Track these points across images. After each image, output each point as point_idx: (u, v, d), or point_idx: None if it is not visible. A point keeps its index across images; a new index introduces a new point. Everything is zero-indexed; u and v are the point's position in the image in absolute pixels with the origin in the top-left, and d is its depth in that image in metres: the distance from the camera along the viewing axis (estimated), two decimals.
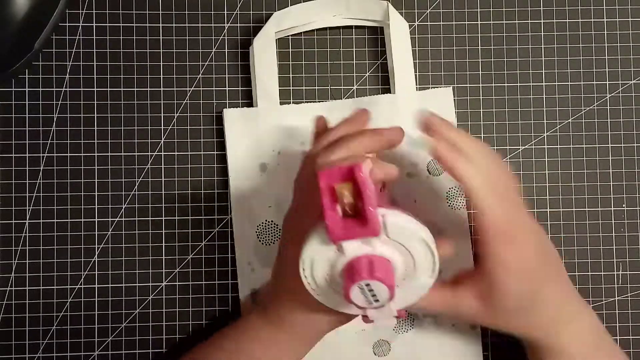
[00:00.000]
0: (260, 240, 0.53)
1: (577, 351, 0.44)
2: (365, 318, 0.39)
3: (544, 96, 0.55)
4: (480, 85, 0.55)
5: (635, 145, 0.55)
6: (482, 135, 0.54)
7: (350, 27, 0.55)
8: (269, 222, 0.53)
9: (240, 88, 0.54)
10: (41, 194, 0.53)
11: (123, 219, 0.53)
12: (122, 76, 0.54)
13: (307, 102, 0.54)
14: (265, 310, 0.46)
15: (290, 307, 0.44)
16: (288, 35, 0.54)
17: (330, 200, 0.35)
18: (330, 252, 0.37)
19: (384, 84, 0.54)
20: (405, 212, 0.38)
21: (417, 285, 0.39)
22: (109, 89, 0.54)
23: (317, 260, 0.38)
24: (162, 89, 0.54)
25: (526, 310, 0.43)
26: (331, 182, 0.35)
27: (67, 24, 0.54)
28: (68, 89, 0.54)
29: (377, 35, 0.55)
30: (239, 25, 0.55)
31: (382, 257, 0.37)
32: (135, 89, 0.54)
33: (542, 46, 0.55)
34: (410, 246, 0.37)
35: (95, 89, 0.54)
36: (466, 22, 0.55)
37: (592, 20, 0.55)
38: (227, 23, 0.54)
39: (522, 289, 0.42)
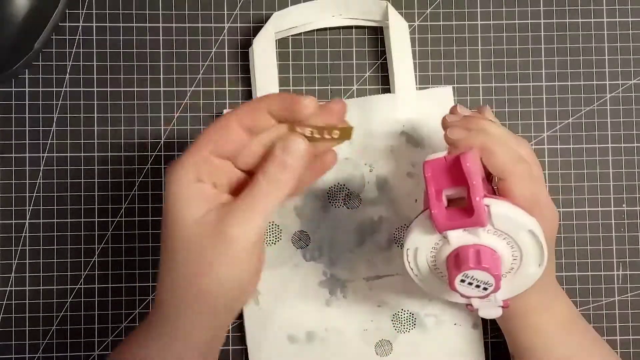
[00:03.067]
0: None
1: (554, 330, 0.45)
2: (470, 307, 0.40)
3: (544, 96, 0.55)
4: (480, 85, 0.55)
5: (635, 145, 0.55)
6: None
7: (350, 27, 0.55)
8: (269, 222, 0.52)
9: (240, 88, 0.54)
10: (41, 194, 0.53)
11: (123, 219, 0.53)
12: (122, 76, 0.54)
13: None
14: (154, 324, 0.40)
15: (186, 311, 0.39)
16: (288, 35, 0.54)
17: (435, 190, 0.35)
18: (435, 240, 0.37)
19: (384, 84, 0.54)
20: (511, 201, 0.38)
21: (524, 275, 0.39)
22: (109, 89, 0.54)
23: (421, 247, 0.38)
24: (162, 89, 0.54)
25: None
26: (436, 171, 0.36)
27: (67, 24, 0.54)
28: (68, 89, 0.54)
29: (377, 35, 0.55)
30: (239, 25, 0.55)
31: (489, 247, 0.37)
32: (135, 89, 0.54)
33: (542, 46, 0.55)
34: (516, 236, 0.37)
35: (95, 89, 0.54)
36: (466, 22, 0.55)
37: (592, 20, 0.55)
38: (227, 23, 0.54)
39: None
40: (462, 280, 0.37)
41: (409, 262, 0.39)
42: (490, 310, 0.39)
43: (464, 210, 0.36)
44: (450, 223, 0.36)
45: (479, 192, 0.35)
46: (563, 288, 0.54)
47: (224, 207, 0.37)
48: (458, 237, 0.37)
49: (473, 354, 0.53)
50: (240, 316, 0.53)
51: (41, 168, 0.53)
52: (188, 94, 0.54)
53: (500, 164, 0.39)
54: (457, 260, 0.37)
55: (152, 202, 0.54)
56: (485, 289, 0.37)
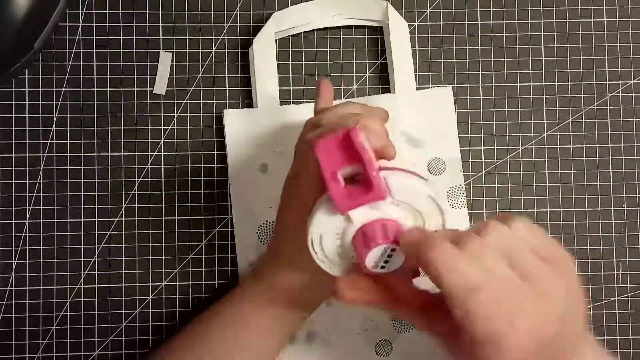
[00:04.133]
0: (261, 241, 0.53)
1: None
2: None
3: (544, 96, 0.55)
4: (480, 85, 0.55)
5: (635, 145, 0.55)
6: (482, 135, 0.54)
7: (350, 27, 0.55)
8: (269, 222, 0.53)
9: (240, 88, 0.54)
10: (41, 194, 0.53)
11: (123, 219, 0.53)
12: (122, 76, 0.54)
13: (307, 102, 0.54)
14: (261, 279, 0.46)
15: (287, 274, 0.44)
16: (288, 35, 0.54)
17: (330, 170, 0.35)
18: (338, 222, 0.36)
19: (384, 83, 0.54)
20: (405, 170, 0.37)
21: None
22: (109, 89, 0.54)
23: (326, 232, 0.37)
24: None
25: None
26: (329, 151, 0.35)
27: (67, 24, 0.54)
28: (68, 89, 0.54)
29: (376, 35, 0.55)
30: (239, 25, 0.55)
31: (392, 220, 0.36)
32: (135, 89, 0.54)
33: (542, 46, 0.55)
34: (417, 204, 0.36)
35: (95, 89, 0.54)
36: (466, 22, 0.55)
37: (592, 20, 0.55)
38: (227, 23, 0.54)
39: None
40: (372, 256, 0.36)
41: (314, 250, 0.38)
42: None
43: (362, 186, 0.35)
44: (351, 202, 0.35)
45: (374, 165, 0.34)
46: None
47: None
48: (361, 215, 0.36)
49: None
50: None
51: (41, 168, 0.53)
52: (188, 94, 0.54)
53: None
54: (364, 238, 0.36)
55: (152, 202, 0.54)
56: (392, 263, 0.36)
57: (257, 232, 0.53)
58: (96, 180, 0.53)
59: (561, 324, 0.33)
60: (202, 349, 0.46)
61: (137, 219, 0.53)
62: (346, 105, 0.43)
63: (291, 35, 0.54)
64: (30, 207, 0.53)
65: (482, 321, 0.32)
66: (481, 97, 0.55)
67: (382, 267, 0.37)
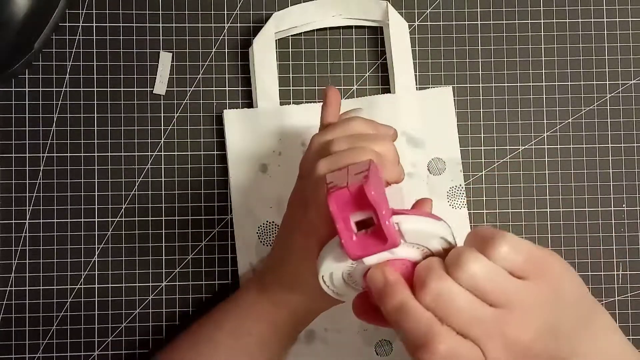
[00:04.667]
0: (261, 241, 0.53)
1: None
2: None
3: (544, 96, 0.55)
4: (480, 85, 0.55)
5: (635, 145, 0.55)
6: (482, 135, 0.54)
7: (350, 27, 0.55)
8: (270, 222, 0.53)
9: (240, 88, 0.54)
10: (41, 194, 0.53)
11: (123, 219, 0.53)
12: (122, 76, 0.54)
13: (307, 102, 0.54)
14: (265, 290, 0.46)
15: (294, 290, 0.44)
16: (288, 36, 0.54)
17: (343, 222, 0.35)
18: (349, 263, 0.37)
19: (384, 84, 0.54)
20: (418, 211, 0.37)
21: None
22: (109, 89, 0.54)
23: (336, 271, 0.38)
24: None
25: None
26: (341, 204, 0.35)
27: (67, 24, 0.54)
28: (68, 89, 0.54)
29: (376, 35, 0.55)
30: (239, 25, 0.55)
31: (403, 260, 0.36)
32: (135, 89, 0.54)
33: (542, 46, 0.55)
34: (430, 245, 0.36)
35: (95, 89, 0.54)
36: (466, 22, 0.55)
37: (592, 20, 0.55)
38: (227, 23, 0.54)
39: None
40: None
41: (325, 284, 0.39)
42: None
43: (374, 233, 0.35)
44: (364, 251, 0.35)
45: (387, 217, 0.34)
46: None
47: None
48: (372, 257, 0.36)
49: None
50: None
51: (41, 168, 0.53)
52: (188, 94, 0.54)
53: None
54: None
55: (152, 202, 0.54)
56: None
57: (257, 232, 0.53)
58: (96, 180, 0.53)
59: (549, 332, 0.33)
60: (204, 355, 0.46)
61: (137, 219, 0.53)
62: (355, 122, 0.42)
63: (291, 35, 0.54)
64: (30, 207, 0.53)
65: None
66: (481, 97, 0.55)
67: None
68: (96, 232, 0.53)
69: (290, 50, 0.55)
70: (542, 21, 0.55)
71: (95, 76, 0.54)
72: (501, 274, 0.33)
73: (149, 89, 0.54)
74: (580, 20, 0.55)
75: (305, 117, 0.52)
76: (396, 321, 0.33)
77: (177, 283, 0.53)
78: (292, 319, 0.46)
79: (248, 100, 0.54)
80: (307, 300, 0.45)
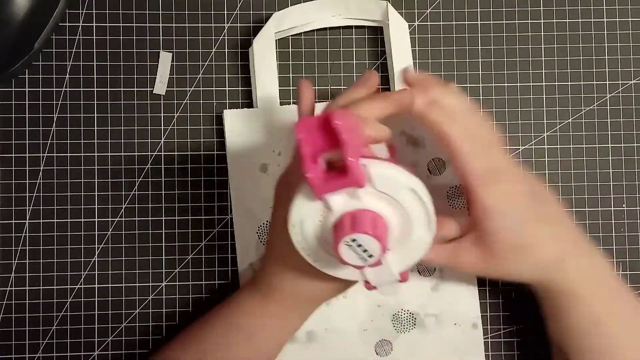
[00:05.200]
0: (261, 241, 0.53)
1: (586, 291, 0.43)
2: (367, 284, 0.38)
3: (544, 96, 0.55)
4: (480, 85, 0.55)
5: (635, 145, 0.55)
6: None
7: (350, 27, 0.55)
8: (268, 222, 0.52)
9: (240, 88, 0.54)
10: (41, 194, 0.53)
11: (123, 219, 0.53)
12: (122, 76, 0.54)
13: None
14: (255, 282, 0.46)
15: (280, 274, 0.44)
16: (288, 36, 0.54)
17: (310, 151, 0.33)
18: (319, 209, 0.35)
19: (384, 84, 0.54)
20: (396, 163, 0.36)
21: (415, 241, 0.37)
22: (109, 89, 0.54)
23: (307, 219, 0.36)
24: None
25: (523, 250, 0.42)
26: (310, 133, 0.33)
27: (67, 24, 0.54)
28: (68, 89, 0.54)
29: (377, 35, 0.55)
30: (239, 25, 0.55)
31: (368, 210, 0.35)
32: (135, 89, 0.54)
33: (542, 46, 0.55)
34: (400, 198, 0.35)
35: (95, 89, 0.54)
36: (466, 22, 0.55)
37: (592, 20, 0.55)
38: (227, 23, 0.54)
39: (511, 230, 0.42)
40: (346, 248, 0.34)
41: (296, 236, 0.37)
42: (388, 286, 0.38)
43: (343, 172, 0.33)
44: (327, 185, 0.33)
45: (351, 151, 0.32)
46: None
47: None
48: (341, 204, 0.35)
49: (473, 354, 0.53)
50: None
51: (41, 168, 0.53)
52: (188, 94, 0.54)
53: (450, 142, 0.41)
54: (337, 227, 0.35)
55: (152, 202, 0.54)
56: (372, 255, 0.34)
57: (257, 232, 0.53)
58: (96, 180, 0.53)
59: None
60: (200, 351, 0.46)
61: (137, 219, 0.53)
62: (334, 105, 0.42)
63: (291, 36, 0.54)
64: (30, 207, 0.53)
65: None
66: (481, 97, 0.55)
67: (364, 260, 0.35)
68: (96, 232, 0.53)
69: (290, 50, 0.55)
70: (542, 21, 0.55)
71: (95, 76, 0.54)
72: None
73: (149, 89, 0.54)
74: (580, 20, 0.55)
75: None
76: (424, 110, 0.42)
77: (177, 283, 0.53)
78: (284, 311, 0.45)
79: (248, 100, 0.54)
80: (295, 279, 0.43)
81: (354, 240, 0.34)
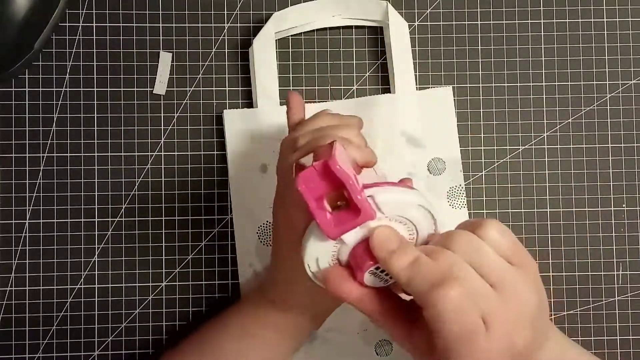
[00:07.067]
0: (261, 241, 0.53)
1: None
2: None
3: (544, 96, 0.55)
4: (480, 85, 0.55)
5: (635, 145, 0.55)
6: (482, 135, 0.54)
7: (350, 27, 0.55)
8: (270, 222, 0.53)
9: (240, 88, 0.54)
10: (41, 194, 0.53)
11: (123, 219, 0.53)
12: (122, 76, 0.54)
13: (307, 102, 0.54)
14: (267, 293, 0.47)
15: (292, 289, 0.44)
16: (288, 36, 0.54)
17: (315, 202, 0.34)
18: (331, 245, 0.36)
19: (384, 84, 0.54)
20: (391, 182, 0.37)
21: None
22: (109, 89, 0.54)
23: (321, 255, 0.37)
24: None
25: None
26: (310, 183, 0.34)
27: (67, 24, 0.54)
28: (68, 89, 0.54)
29: (377, 35, 0.55)
30: (239, 25, 0.55)
31: None
32: (135, 89, 0.54)
33: (542, 46, 0.55)
34: (410, 216, 0.36)
35: (95, 89, 0.54)
36: (466, 22, 0.55)
37: (592, 20, 0.55)
38: (227, 23, 0.54)
39: None
40: (370, 275, 0.36)
41: (312, 272, 0.38)
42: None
43: (350, 209, 0.34)
44: (340, 228, 0.34)
45: (357, 190, 0.33)
46: (563, 288, 0.54)
47: None
48: (353, 235, 0.35)
49: None
50: None
51: (41, 168, 0.53)
52: (188, 94, 0.54)
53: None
54: (356, 259, 0.36)
55: (152, 202, 0.54)
56: (391, 277, 0.35)
57: (257, 232, 0.53)
58: (96, 180, 0.53)
59: (532, 330, 0.33)
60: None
61: (137, 219, 0.53)
62: (320, 116, 0.43)
63: (291, 36, 0.54)
64: (30, 207, 0.53)
65: (452, 316, 0.31)
66: (481, 97, 0.55)
67: (385, 281, 0.37)
68: (96, 232, 0.53)
69: (290, 50, 0.55)
70: (542, 21, 0.55)
71: (95, 76, 0.54)
72: (495, 253, 0.34)
73: (149, 89, 0.54)
74: (580, 20, 0.55)
75: (305, 117, 0.52)
76: (410, 276, 0.33)
77: (177, 283, 0.53)
78: (297, 322, 0.46)
79: (248, 100, 0.54)
80: (307, 300, 0.44)
81: (377, 267, 0.35)
